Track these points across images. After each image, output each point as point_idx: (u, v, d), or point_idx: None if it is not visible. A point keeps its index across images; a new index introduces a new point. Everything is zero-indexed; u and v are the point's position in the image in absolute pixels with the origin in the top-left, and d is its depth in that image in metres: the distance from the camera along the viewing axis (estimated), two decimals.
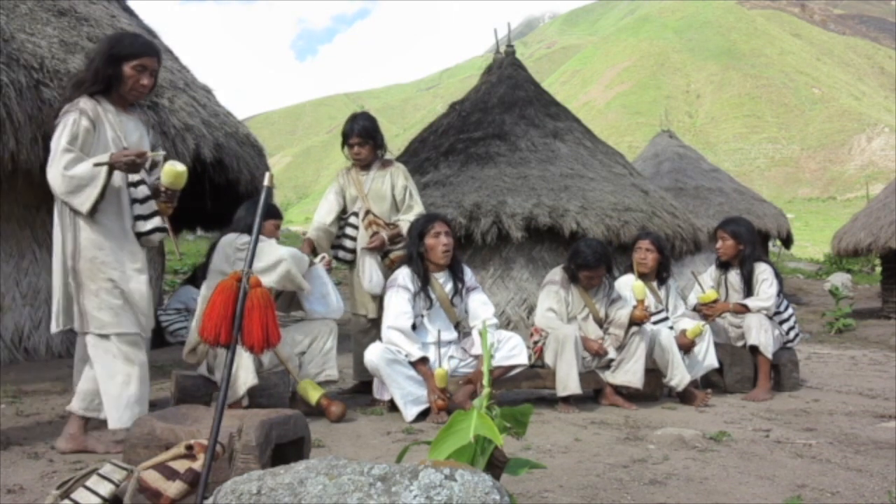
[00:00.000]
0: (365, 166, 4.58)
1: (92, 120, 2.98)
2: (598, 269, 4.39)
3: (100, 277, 2.95)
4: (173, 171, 3.00)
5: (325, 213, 4.61)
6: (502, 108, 9.85)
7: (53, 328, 3.04)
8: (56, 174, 2.89)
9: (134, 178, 3.04)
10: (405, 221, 4.46)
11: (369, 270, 4.39)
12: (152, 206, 3.10)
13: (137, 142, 3.15)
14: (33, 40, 5.54)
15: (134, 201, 3.07)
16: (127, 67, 3.03)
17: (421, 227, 4.14)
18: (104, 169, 2.89)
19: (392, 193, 4.55)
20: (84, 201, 2.90)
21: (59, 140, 2.93)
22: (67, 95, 3.11)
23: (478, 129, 9.63)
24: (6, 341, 5.70)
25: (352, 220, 4.54)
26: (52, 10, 6.10)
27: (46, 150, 5.21)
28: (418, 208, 4.55)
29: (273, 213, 4.05)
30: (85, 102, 2.99)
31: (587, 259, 4.36)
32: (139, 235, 3.09)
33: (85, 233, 2.96)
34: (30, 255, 5.94)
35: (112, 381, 2.95)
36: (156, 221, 3.11)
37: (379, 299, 4.52)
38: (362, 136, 4.51)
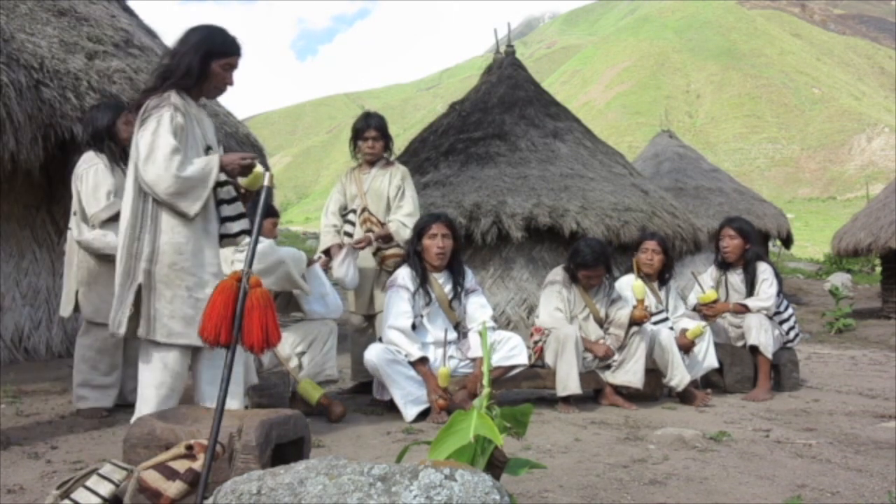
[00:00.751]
0: (370, 164, 4.62)
1: (183, 116, 2.87)
2: (597, 268, 4.39)
3: (177, 284, 2.81)
4: (256, 171, 2.91)
5: (330, 213, 4.69)
6: (502, 108, 9.86)
7: (113, 328, 2.87)
8: (166, 175, 2.74)
9: (220, 177, 2.93)
10: (394, 221, 4.47)
11: (345, 265, 4.36)
12: (239, 207, 2.99)
13: (213, 139, 3.09)
14: (33, 40, 5.54)
15: (221, 202, 2.96)
16: (216, 65, 2.94)
17: (421, 226, 4.14)
18: (215, 171, 2.82)
19: (388, 192, 4.58)
20: (192, 203, 2.79)
21: (160, 137, 2.77)
22: (152, 86, 2.94)
23: (478, 129, 9.64)
24: (6, 341, 5.70)
25: (350, 217, 4.59)
26: (52, 10, 6.11)
27: (46, 150, 5.29)
28: (408, 208, 4.53)
29: (270, 211, 4.05)
30: (175, 98, 2.87)
31: (586, 258, 4.36)
32: (223, 237, 2.99)
33: (166, 236, 2.82)
34: (30, 255, 5.94)
35: (156, 390, 2.84)
36: (243, 223, 3.01)
37: (367, 296, 4.53)
38: (379, 130, 4.58)
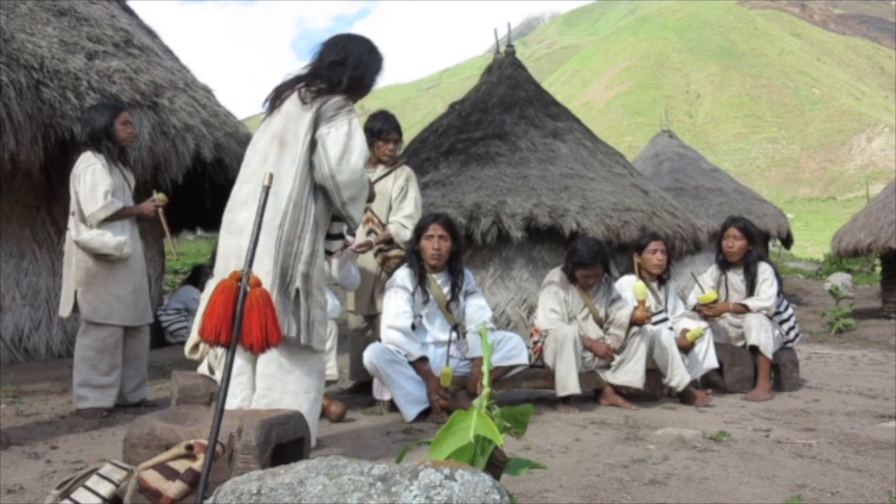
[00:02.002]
0: (375, 163, 4.52)
1: None
2: (594, 267, 4.37)
3: (322, 289, 2.82)
4: None
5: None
6: (502, 108, 9.86)
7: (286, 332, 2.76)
8: (361, 181, 2.76)
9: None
10: (394, 223, 4.42)
11: (346, 268, 4.31)
12: (342, 226, 3.03)
13: None
14: (33, 40, 5.54)
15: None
16: (371, 82, 2.97)
17: (420, 227, 4.13)
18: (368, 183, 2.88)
19: (392, 193, 4.50)
20: (359, 209, 2.85)
21: (354, 140, 2.74)
22: (325, 87, 2.79)
23: (478, 129, 9.64)
24: (6, 341, 5.71)
25: None
26: (52, 10, 6.11)
27: (46, 150, 5.29)
28: (408, 209, 4.47)
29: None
30: (352, 104, 2.85)
31: (583, 258, 4.36)
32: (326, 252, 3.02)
33: (321, 239, 2.81)
34: (30, 255, 5.94)
35: (306, 395, 2.75)
36: (338, 244, 3.10)
37: (367, 297, 4.52)
38: (399, 131, 4.56)
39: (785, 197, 73.09)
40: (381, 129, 4.47)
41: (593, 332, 4.49)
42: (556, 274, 4.56)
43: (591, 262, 4.35)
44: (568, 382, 4.16)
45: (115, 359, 3.92)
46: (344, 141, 2.71)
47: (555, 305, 4.44)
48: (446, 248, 4.07)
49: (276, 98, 2.85)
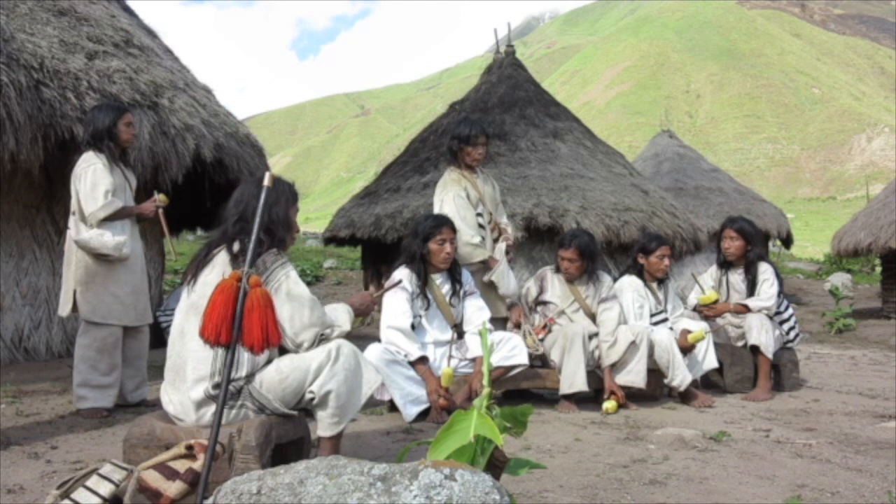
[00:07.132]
0: (471, 168, 4.63)
1: None
2: (567, 249, 4.46)
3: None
4: None
5: (470, 222, 4.48)
6: (502, 108, 9.85)
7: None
8: None
9: None
10: (506, 225, 4.74)
11: (507, 276, 4.57)
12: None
13: None
14: (33, 40, 5.54)
15: None
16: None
17: (428, 231, 4.10)
18: None
19: (495, 197, 4.76)
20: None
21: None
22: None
23: None
24: (6, 341, 5.70)
25: (479, 220, 4.62)
26: (52, 10, 6.11)
27: (46, 150, 5.29)
28: (502, 208, 4.86)
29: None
30: None
31: (562, 239, 4.55)
32: None
33: None
34: (30, 255, 5.94)
35: None
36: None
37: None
38: (487, 135, 4.66)
39: (785, 197, 73.11)
40: (468, 134, 4.54)
41: (587, 326, 4.52)
42: (540, 272, 4.78)
43: (567, 243, 4.45)
44: (576, 380, 4.19)
45: (115, 359, 3.91)
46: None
47: (531, 286, 4.69)
48: (453, 250, 4.10)
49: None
